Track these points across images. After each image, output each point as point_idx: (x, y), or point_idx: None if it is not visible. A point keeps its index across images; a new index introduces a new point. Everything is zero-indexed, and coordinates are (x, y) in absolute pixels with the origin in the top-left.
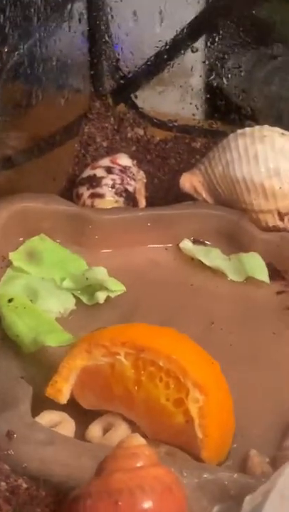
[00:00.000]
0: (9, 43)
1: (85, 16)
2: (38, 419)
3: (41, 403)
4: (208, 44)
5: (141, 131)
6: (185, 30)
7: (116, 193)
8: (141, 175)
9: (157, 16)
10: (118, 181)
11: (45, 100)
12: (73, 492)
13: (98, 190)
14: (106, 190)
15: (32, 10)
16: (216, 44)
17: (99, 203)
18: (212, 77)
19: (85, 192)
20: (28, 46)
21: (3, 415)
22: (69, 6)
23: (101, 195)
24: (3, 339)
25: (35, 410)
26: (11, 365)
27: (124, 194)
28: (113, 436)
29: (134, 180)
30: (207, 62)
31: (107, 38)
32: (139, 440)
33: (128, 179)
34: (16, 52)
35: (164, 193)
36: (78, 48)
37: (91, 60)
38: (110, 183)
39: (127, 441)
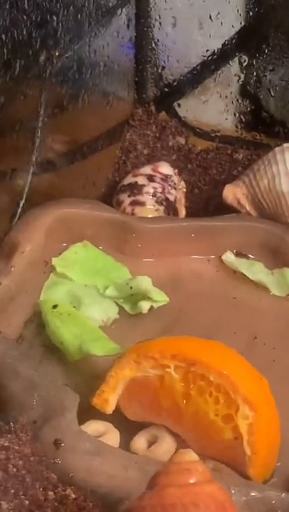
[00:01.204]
0: (60, 46)
1: (133, 22)
2: (83, 428)
3: (85, 412)
4: (257, 55)
5: (182, 140)
6: (233, 41)
7: (157, 202)
8: (182, 184)
9: (206, 24)
10: (159, 190)
11: (90, 105)
12: (124, 505)
13: (139, 197)
14: (147, 198)
15: (84, 14)
16: (264, 55)
17: (139, 210)
18: (258, 89)
19: (126, 199)
20: (77, 50)
21: (50, 423)
22: (118, 12)
23: (142, 203)
24: (46, 346)
25: (79, 419)
26: (56, 372)
27: (164, 203)
28: (158, 449)
29: (175, 189)
30: (254, 74)
31: (153, 45)
32: (192, 456)
33: (169, 188)
34: (65, 56)
35: (204, 203)
36: (125, 54)
37: (136, 66)
38: (151, 191)
39: (180, 457)
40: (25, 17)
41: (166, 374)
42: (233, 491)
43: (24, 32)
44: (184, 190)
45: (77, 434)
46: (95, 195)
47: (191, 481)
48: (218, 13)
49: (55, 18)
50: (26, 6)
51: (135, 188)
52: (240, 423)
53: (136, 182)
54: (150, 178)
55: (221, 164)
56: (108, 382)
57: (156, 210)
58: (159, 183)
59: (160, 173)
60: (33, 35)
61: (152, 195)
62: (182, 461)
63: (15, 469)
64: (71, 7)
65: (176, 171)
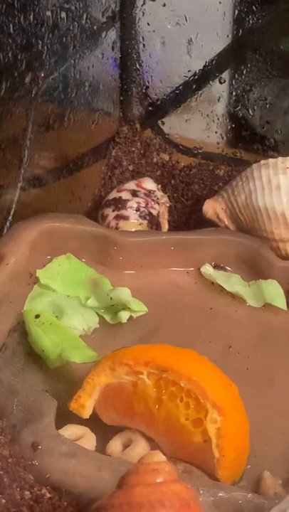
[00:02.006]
0: (45, 68)
1: (118, 44)
2: (61, 432)
3: (64, 417)
4: (236, 75)
5: (166, 157)
6: (214, 62)
7: (140, 216)
8: (165, 199)
9: (187, 46)
10: (143, 204)
11: (76, 123)
12: (95, 503)
13: (123, 212)
14: (131, 212)
15: (68, 37)
16: (243, 76)
17: (123, 224)
18: (238, 108)
19: (111, 213)
20: (62, 71)
21: (29, 427)
22: (103, 34)
23: (126, 217)
24: (29, 354)
25: (58, 424)
26: (36, 379)
27: (148, 217)
28: (132, 451)
29: (158, 204)
30: (234, 93)
31: (137, 66)
32: (160, 457)
33: (152, 203)
34: (51, 77)
35: (187, 217)
36: (110, 74)
37: (121, 86)
38: (135, 205)
39: (149, 458)
40: (10, 40)
41: (140, 380)
42: (201, 492)
43: (10, 54)
44: (167, 204)
45: (54, 437)
46: (81, 209)
47: (158, 480)
48: (199, 35)
49: (40, 41)
50: (12, 30)
51: (119, 203)
52: (209, 427)
53: (120, 197)
54: (134, 194)
55: (203, 180)
56: (85, 388)
57: (140, 224)
58: (143, 198)
59: (144, 188)
60: (18, 58)
61: (136, 210)
62: (150, 461)
63: None
64: (56, 31)
65: (160, 186)
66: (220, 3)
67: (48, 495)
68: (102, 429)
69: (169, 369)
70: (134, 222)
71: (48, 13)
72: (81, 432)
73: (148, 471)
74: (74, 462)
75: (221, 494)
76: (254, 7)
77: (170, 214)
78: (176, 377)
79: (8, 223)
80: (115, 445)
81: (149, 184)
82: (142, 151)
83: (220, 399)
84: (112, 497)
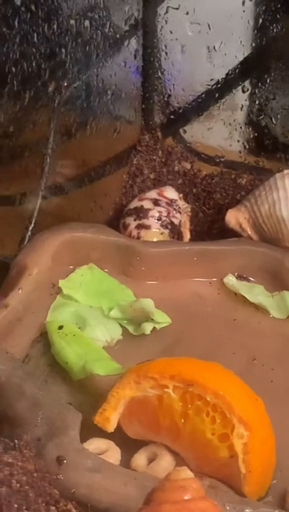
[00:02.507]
0: (68, 77)
1: (140, 52)
2: (85, 445)
3: (88, 430)
4: (259, 84)
5: (188, 165)
6: (237, 70)
7: (162, 225)
8: (186, 208)
9: (210, 55)
10: (164, 214)
11: (98, 131)
12: None
13: (145, 221)
14: (152, 221)
15: (92, 46)
16: (266, 84)
17: (145, 234)
18: (260, 116)
19: (132, 223)
20: (85, 80)
21: (53, 440)
22: (126, 43)
23: (147, 227)
24: (52, 365)
25: (82, 437)
26: (60, 391)
27: (169, 226)
28: (157, 466)
29: (180, 213)
30: (256, 102)
31: (160, 74)
32: (187, 473)
33: (174, 212)
34: (74, 86)
35: (209, 227)
36: (132, 83)
37: (143, 94)
38: (157, 215)
39: (175, 474)
40: (34, 49)
41: (165, 394)
42: (228, 508)
43: (34, 63)
44: (189, 214)
45: (79, 451)
46: (102, 218)
47: (186, 497)
48: (222, 43)
49: (63, 50)
50: (36, 40)
51: (141, 212)
52: (236, 442)
53: (142, 206)
54: (156, 203)
55: (225, 189)
56: (109, 401)
57: (162, 233)
58: (165, 207)
59: (165, 197)
60: (42, 67)
61: (158, 219)
62: (177, 478)
63: (18, 485)
64: (79, 39)
65: (182, 195)
66: (244, 11)
67: (74, 510)
68: (127, 443)
69: (194, 383)
70: (155, 231)
71: (72, 21)
72: (106, 445)
73: (175, 488)
74: (99, 477)
75: (247, 510)
76: (278, 15)
77: (192, 223)
78: (202, 392)
79: (29, 232)
80: (140, 459)
81: (170, 193)
82: (163, 160)
83: (246, 414)
84: None
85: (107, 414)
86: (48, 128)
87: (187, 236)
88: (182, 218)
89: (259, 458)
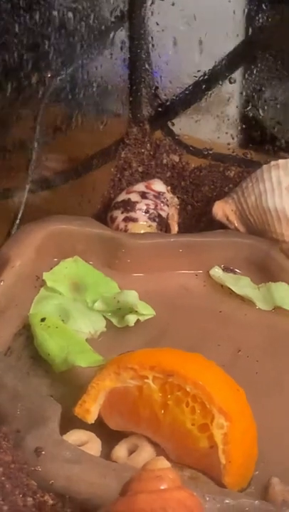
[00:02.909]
0: (52, 68)
1: (127, 44)
2: (65, 437)
3: (69, 422)
4: (246, 76)
5: (176, 158)
6: (224, 61)
7: (149, 218)
8: (174, 201)
9: (197, 46)
10: (152, 206)
11: (85, 124)
12: (99, 511)
13: (132, 214)
14: (140, 214)
15: (76, 37)
16: (253, 76)
17: (132, 226)
18: (248, 108)
19: (120, 215)
20: (70, 72)
21: (33, 432)
22: (112, 34)
23: (135, 220)
24: (34, 357)
25: (63, 429)
26: (41, 383)
27: (157, 219)
28: (138, 457)
29: (168, 206)
30: (244, 93)
31: (147, 66)
32: (163, 463)
33: (162, 205)
34: (58, 78)
35: (197, 219)
36: (119, 75)
37: (131, 86)
38: (144, 207)
39: (152, 464)
40: (16, 40)
41: (145, 385)
42: (207, 498)
43: (15, 54)
44: (177, 206)
45: (59, 442)
46: (90, 212)
47: (162, 487)
48: (208, 34)
49: (46, 41)
50: (17, 30)
51: (128, 205)
52: (216, 432)
53: (129, 199)
54: (143, 195)
55: (213, 181)
56: (89, 392)
57: (149, 226)
58: (152, 199)
59: (153, 190)
60: (24, 58)
61: (145, 212)
62: (154, 468)
63: None
64: (62, 30)
65: (169, 187)
66: (229, 1)
67: (51, 501)
68: (108, 435)
69: (174, 373)
70: (143, 224)
71: (55, 12)
72: (86, 437)
73: (152, 478)
74: (78, 468)
75: (227, 501)
76: (264, 6)
77: (180, 216)
78: (182, 382)
79: (15, 226)
80: (121, 451)
81: (158, 186)
82: (151, 153)
83: (226, 404)
84: (116, 504)
85: (87, 405)
86: (33, 121)
87: (175, 229)
88: (170, 211)
89: (239, 448)
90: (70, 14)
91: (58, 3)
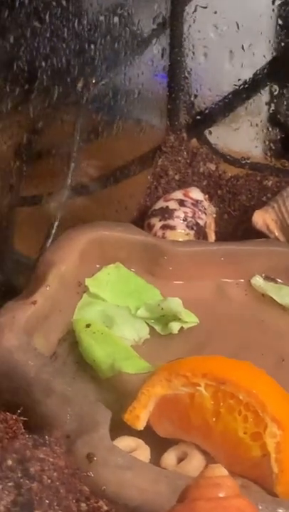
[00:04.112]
0: (96, 74)
1: (167, 52)
2: (115, 443)
3: (116, 428)
4: (287, 85)
5: (213, 167)
6: (264, 70)
7: (187, 226)
8: (212, 209)
9: (238, 54)
10: (190, 214)
11: (124, 131)
12: None
13: (170, 222)
14: (178, 222)
15: (120, 43)
16: None
17: (170, 234)
18: (287, 118)
19: (157, 223)
20: (113, 78)
21: (84, 438)
22: (153, 41)
23: (172, 227)
24: (79, 363)
25: (111, 435)
26: (88, 389)
27: (195, 227)
28: (188, 465)
29: (206, 214)
30: (284, 103)
31: (186, 74)
32: (221, 471)
33: (199, 213)
34: (101, 83)
35: (234, 228)
36: (158, 82)
37: (169, 94)
38: (182, 215)
39: (210, 471)
40: (64, 45)
41: (197, 392)
42: (260, 507)
43: (63, 59)
44: (214, 215)
45: (110, 448)
46: (126, 219)
47: (221, 495)
48: (250, 44)
49: (92, 46)
50: (66, 35)
51: (166, 213)
52: (268, 441)
53: (167, 206)
54: (181, 203)
55: (251, 191)
56: (139, 399)
57: (187, 234)
58: (190, 207)
59: (191, 198)
60: (71, 63)
61: (183, 220)
62: (212, 475)
63: (49, 480)
64: (108, 36)
65: (207, 196)
66: (273, 10)
67: (105, 507)
68: (156, 442)
69: (227, 381)
70: (181, 232)
71: (101, 18)
72: (135, 444)
73: (210, 485)
74: (130, 474)
75: (280, 510)
76: None
77: (217, 225)
78: (235, 390)
79: (53, 231)
80: (170, 458)
81: (196, 194)
82: (188, 161)
83: (279, 413)
84: (173, 511)
85: (136, 412)
86: (74, 126)
87: (212, 237)
88: (207, 219)
89: None
90: (116, 19)
91: (105, 8)
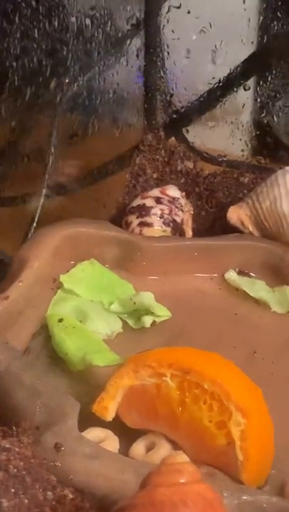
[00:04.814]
0: (70, 74)
1: (142, 52)
2: (83, 434)
3: (87, 420)
4: (260, 83)
5: (190, 165)
6: (238, 69)
7: (164, 223)
8: (189, 206)
9: (212, 54)
10: (166, 211)
11: (100, 131)
12: (118, 504)
13: (147, 219)
14: (154, 219)
15: (93, 44)
16: (267, 83)
17: (147, 231)
18: (262, 115)
19: (134, 220)
20: (87, 78)
21: (52, 429)
22: (128, 42)
23: (149, 224)
24: (52, 357)
25: (81, 426)
26: (59, 382)
27: (171, 224)
28: (156, 455)
29: (182, 211)
30: (258, 100)
31: (162, 74)
32: (183, 457)
33: (176, 210)
34: (76, 84)
35: (211, 225)
36: (134, 82)
37: (146, 94)
38: (159, 212)
39: (172, 458)
40: (35, 45)
41: (163, 382)
42: (225, 495)
43: (34, 60)
44: (192, 212)
45: (77, 438)
46: (105, 217)
47: (181, 480)
48: (223, 42)
49: (64, 47)
50: (36, 35)
51: (143, 210)
52: (233, 429)
53: (144, 204)
54: (158, 201)
55: (228, 187)
56: (108, 390)
57: (164, 231)
58: (167, 205)
59: (168, 195)
60: (43, 63)
61: (160, 217)
62: (173, 462)
63: (15, 470)
64: (80, 37)
65: (184, 193)
66: (245, 10)
67: (71, 496)
68: (125, 432)
69: (192, 371)
70: (157, 229)
71: (73, 19)
72: (104, 434)
73: (171, 472)
74: (97, 464)
75: (245, 497)
76: (279, 13)
77: (194, 221)
78: (200, 379)
79: (32, 230)
80: (138, 448)
81: (173, 191)
82: (166, 159)
83: (244, 401)
84: (135, 497)
85: (105, 403)
86: (50, 126)
87: (189, 234)
88: (184, 216)
89: (257, 445)
90: (88, 21)
91: (76, 9)
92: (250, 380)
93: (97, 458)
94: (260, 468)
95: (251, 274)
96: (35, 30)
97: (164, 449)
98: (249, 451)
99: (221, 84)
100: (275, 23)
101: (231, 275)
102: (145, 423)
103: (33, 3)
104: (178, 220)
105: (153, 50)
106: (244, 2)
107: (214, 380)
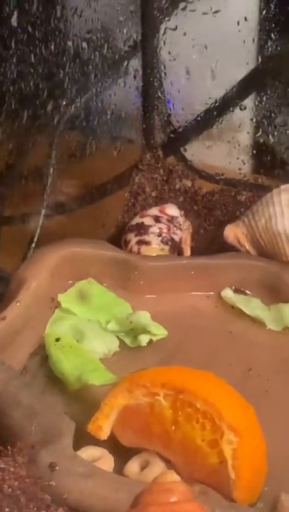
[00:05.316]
0: (67, 97)
1: (140, 73)
2: (79, 453)
3: (82, 438)
4: (256, 102)
5: (189, 183)
6: (234, 89)
7: (162, 242)
8: (187, 225)
9: (208, 74)
10: (165, 230)
11: (99, 151)
12: None
13: (145, 237)
14: (153, 238)
15: (90, 66)
16: (263, 103)
17: (145, 249)
18: (259, 134)
19: (133, 239)
20: (84, 100)
21: (47, 448)
22: (125, 63)
23: (148, 243)
24: (49, 376)
25: (77, 445)
26: (56, 401)
27: (170, 243)
28: (150, 473)
29: (181, 229)
30: (254, 120)
31: (159, 94)
32: (174, 476)
33: (174, 228)
34: (73, 105)
35: (209, 243)
36: (132, 103)
37: (144, 114)
38: (157, 231)
39: (163, 477)
40: (31, 70)
41: (156, 401)
42: None
43: (31, 83)
44: (190, 230)
45: (72, 458)
46: (104, 236)
47: (172, 499)
48: (219, 62)
49: (61, 70)
50: (33, 60)
51: (142, 228)
52: (225, 448)
53: (142, 222)
54: (156, 219)
55: (225, 206)
56: (102, 409)
57: (162, 249)
58: (165, 223)
59: (166, 214)
60: (40, 87)
61: (158, 235)
62: (164, 481)
63: (10, 489)
64: (77, 60)
65: (183, 212)
66: (239, 31)
67: None
68: (120, 451)
69: (185, 390)
70: (155, 247)
71: (69, 43)
72: (99, 453)
73: (162, 491)
74: (91, 483)
75: None
76: (273, 35)
77: (192, 240)
78: (193, 399)
79: (31, 250)
80: (133, 467)
81: (171, 210)
82: (164, 178)
83: (236, 420)
84: None
85: (99, 422)
86: (48, 147)
87: (188, 252)
88: (183, 235)
89: (249, 464)
90: (84, 44)
91: (73, 33)
92: (242, 399)
93: (91, 477)
94: (252, 487)
95: (247, 291)
96: (32, 55)
97: (157, 467)
98: (241, 470)
99: (217, 104)
100: (269, 44)
101: (227, 293)
102: (140, 441)
103: (30, 28)
104: (176, 238)
105: (150, 71)
106: (238, 23)
107: (206, 400)
